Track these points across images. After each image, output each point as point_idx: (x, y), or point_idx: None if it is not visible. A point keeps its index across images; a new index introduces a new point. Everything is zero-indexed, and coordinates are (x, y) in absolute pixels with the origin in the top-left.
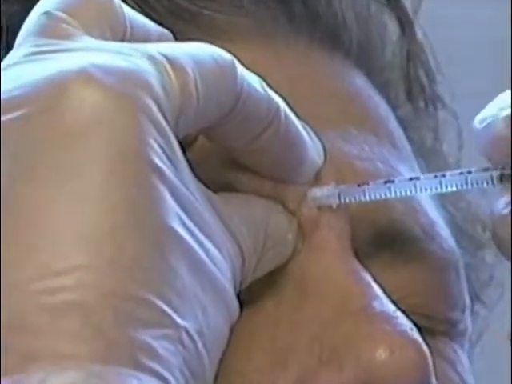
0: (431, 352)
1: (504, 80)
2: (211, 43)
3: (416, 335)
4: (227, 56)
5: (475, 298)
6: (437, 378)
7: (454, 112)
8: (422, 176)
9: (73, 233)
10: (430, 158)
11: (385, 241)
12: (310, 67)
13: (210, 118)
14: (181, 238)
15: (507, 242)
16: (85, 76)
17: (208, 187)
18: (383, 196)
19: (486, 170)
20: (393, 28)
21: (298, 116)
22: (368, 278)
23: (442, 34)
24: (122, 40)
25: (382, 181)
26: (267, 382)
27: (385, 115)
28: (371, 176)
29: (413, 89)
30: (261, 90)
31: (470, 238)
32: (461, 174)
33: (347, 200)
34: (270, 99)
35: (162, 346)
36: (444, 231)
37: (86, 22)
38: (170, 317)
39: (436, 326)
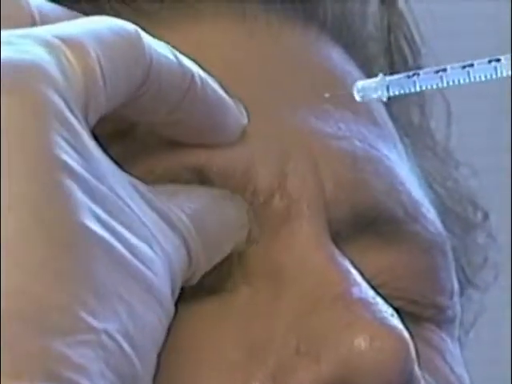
0: (414, 339)
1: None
2: (178, 22)
3: (396, 321)
4: (130, 27)
5: (467, 282)
6: (421, 367)
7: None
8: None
9: None
10: (417, 136)
11: (365, 222)
12: (282, 42)
13: (121, 94)
14: (95, 235)
15: None
16: None
17: (166, 174)
18: (434, 86)
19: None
20: None
21: (256, 87)
22: (346, 263)
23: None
24: None
25: (432, 69)
26: (242, 377)
27: None
28: (348, 155)
29: (395, 62)
30: (172, 58)
31: (459, 219)
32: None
33: (396, 92)
34: (183, 66)
35: (78, 354)
36: (430, 212)
37: None
38: (84, 321)
39: (422, 311)
